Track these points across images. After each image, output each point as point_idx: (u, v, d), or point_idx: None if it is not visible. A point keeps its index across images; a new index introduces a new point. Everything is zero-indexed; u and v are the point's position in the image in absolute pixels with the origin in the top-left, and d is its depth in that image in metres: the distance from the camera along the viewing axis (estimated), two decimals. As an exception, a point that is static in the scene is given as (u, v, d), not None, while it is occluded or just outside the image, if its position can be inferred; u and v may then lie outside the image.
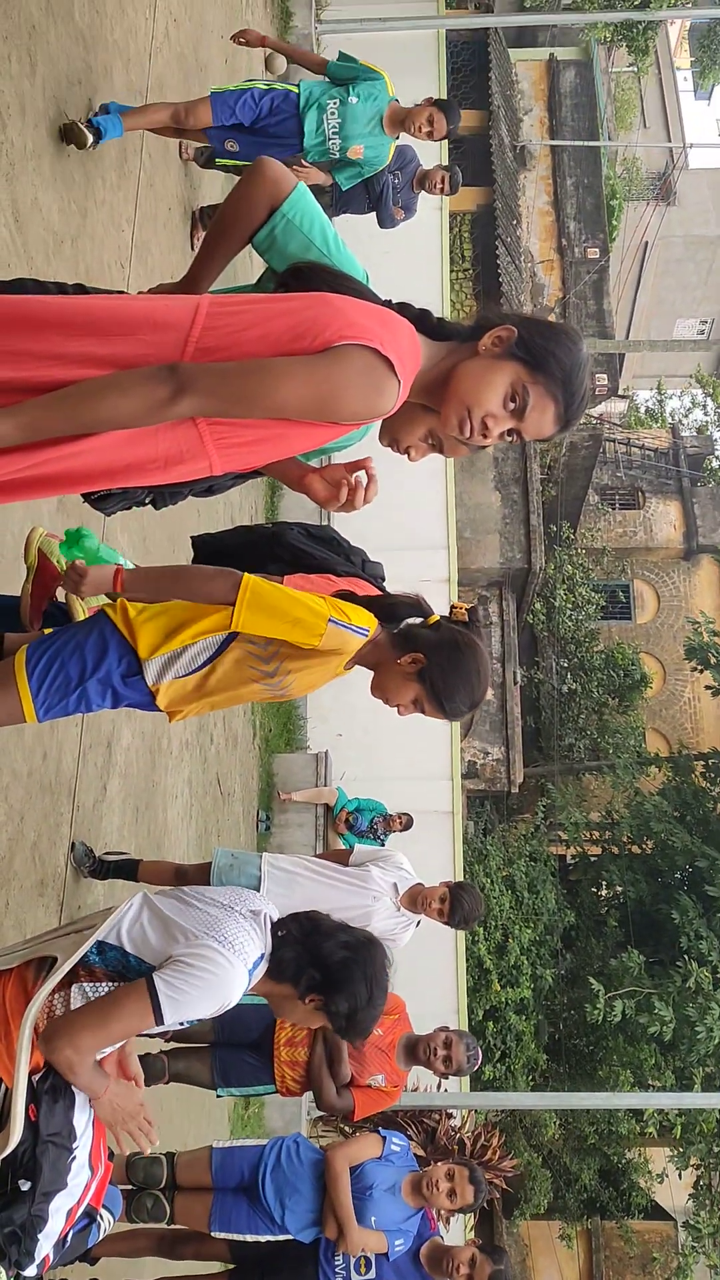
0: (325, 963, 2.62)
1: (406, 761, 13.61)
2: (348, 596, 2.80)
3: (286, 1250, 4.21)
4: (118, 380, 1.67)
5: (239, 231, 2.53)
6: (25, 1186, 2.23)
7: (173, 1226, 4.26)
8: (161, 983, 2.40)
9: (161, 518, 6.67)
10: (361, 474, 2.23)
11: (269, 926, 2.67)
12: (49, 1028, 2.34)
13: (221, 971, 2.45)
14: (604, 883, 18.07)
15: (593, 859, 18.33)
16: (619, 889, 17.44)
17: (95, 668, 2.59)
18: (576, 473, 21.08)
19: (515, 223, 20.30)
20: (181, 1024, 2.49)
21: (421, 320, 1.96)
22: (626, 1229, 15.35)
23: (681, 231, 29.85)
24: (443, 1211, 4.24)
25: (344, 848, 4.93)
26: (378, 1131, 4.35)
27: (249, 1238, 4.12)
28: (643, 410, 29.51)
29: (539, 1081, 15.43)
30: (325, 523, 4.72)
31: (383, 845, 11.43)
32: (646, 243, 29.08)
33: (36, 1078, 2.33)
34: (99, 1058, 2.45)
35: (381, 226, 7.70)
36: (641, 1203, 15.89)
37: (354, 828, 11.52)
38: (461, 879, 14.21)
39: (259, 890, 4.58)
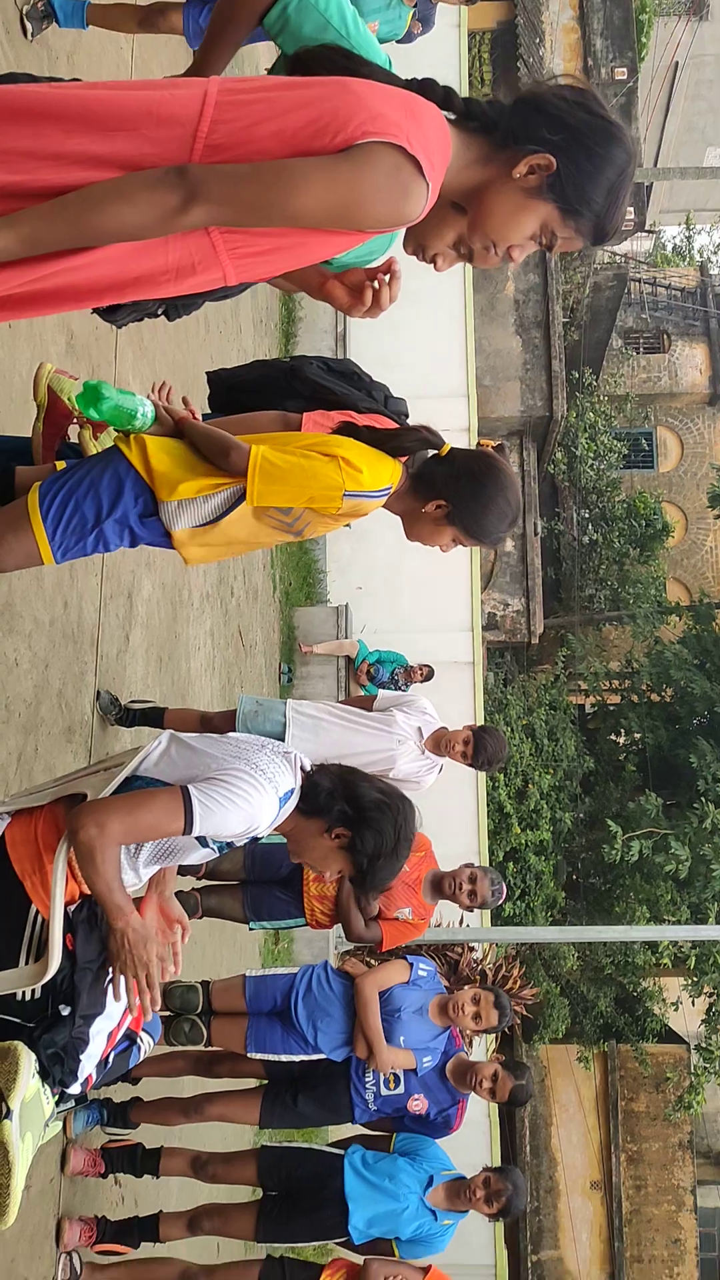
0: (359, 800, 2.64)
1: (427, 613, 13.61)
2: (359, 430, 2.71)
3: (318, 1067, 4.41)
4: (122, 186, 1.56)
5: (248, 11, 2.34)
6: (65, 1011, 2.32)
7: (210, 1049, 4.46)
8: (196, 791, 2.42)
9: (174, 359, 6.51)
10: (385, 278, 2.11)
11: (299, 766, 2.70)
12: (76, 809, 2.36)
13: (254, 793, 2.47)
14: (623, 730, 18.30)
15: (612, 708, 18.51)
16: (638, 736, 17.67)
17: (112, 508, 2.54)
18: (600, 315, 20.40)
19: (538, 40, 19.12)
20: (209, 845, 2.51)
21: (447, 101, 1.81)
22: (641, 1052, 16.10)
23: (715, 49, 28.05)
24: (467, 1033, 4.42)
25: (367, 695, 5.00)
26: (405, 959, 4.50)
27: (283, 1058, 4.32)
28: (670, 248, 28.35)
29: (558, 918, 15.97)
30: (344, 356, 4.57)
31: (407, 690, 11.54)
32: (677, 63, 27.39)
33: (72, 908, 2.39)
34: (133, 888, 2.50)
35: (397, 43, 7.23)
36: (655, 1028, 16.61)
37: (375, 679, 11.61)
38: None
39: (284, 736, 4.63)
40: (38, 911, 2.33)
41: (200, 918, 4.76)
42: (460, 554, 13.93)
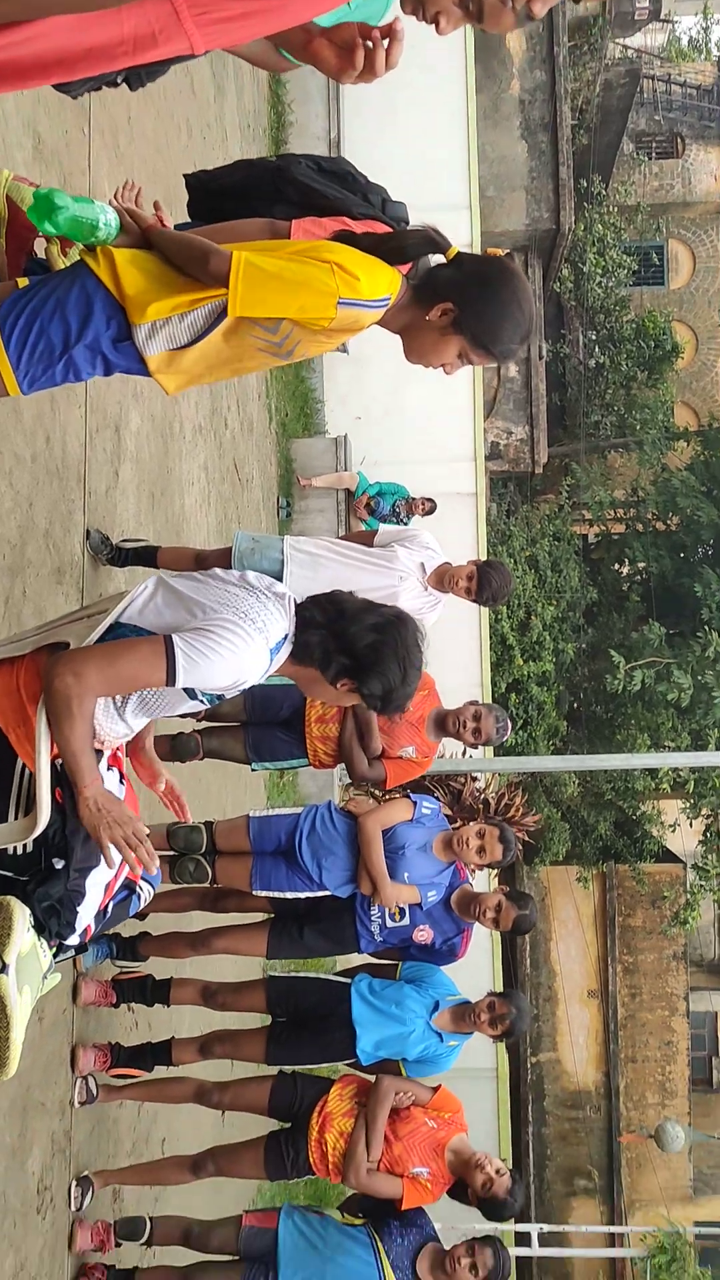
0: (353, 648, 2.49)
1: (428, 444, 13.26)
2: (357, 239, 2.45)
3: (324, 902, 4.44)
4: None
5: None
6: (59, 864, 2.25)
7: (215, 886, 4.48)
8: (180, 641, 2.29)
9: (154, 167, 6.05)
10: (379, 37, 1.82)
11: (293, 609, 2.55)
12: (53, 658, 2.24)
13: (241, 644, 2.33)
14: (627, 559, 18.15)
15: (616, 537, 18.33)
16: (642, 565, 17.52)
17: (81, 331, 2.30)
18: (611, 116, 19.18)
19: None
20: (197, 697, 2.39)
21: None
22: (639, 871, 16.63)
23: None
24: (471, 867, 4.43)
25: (368, 531, 4.81)
26: (408, 797, 4.48)
27: (289, 895, 4.35)
28: (686, 41, 26.43)
29: (559, 746, 16.21)
30: (337, 155, 4.19)
31: (409, 523, 11.32)
32: None
33: (60, 762, 2.29)
34: (107, 745, 2.40)
35: None
36: (653, 848, 17.11)
37: (376, 512, 11.36)
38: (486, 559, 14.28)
39: (281, 574, 4.48)
40: (25, 765, 2.23)
41: (201, 759, 4.73)
42: (462, 380, 13.47)
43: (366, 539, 4.74)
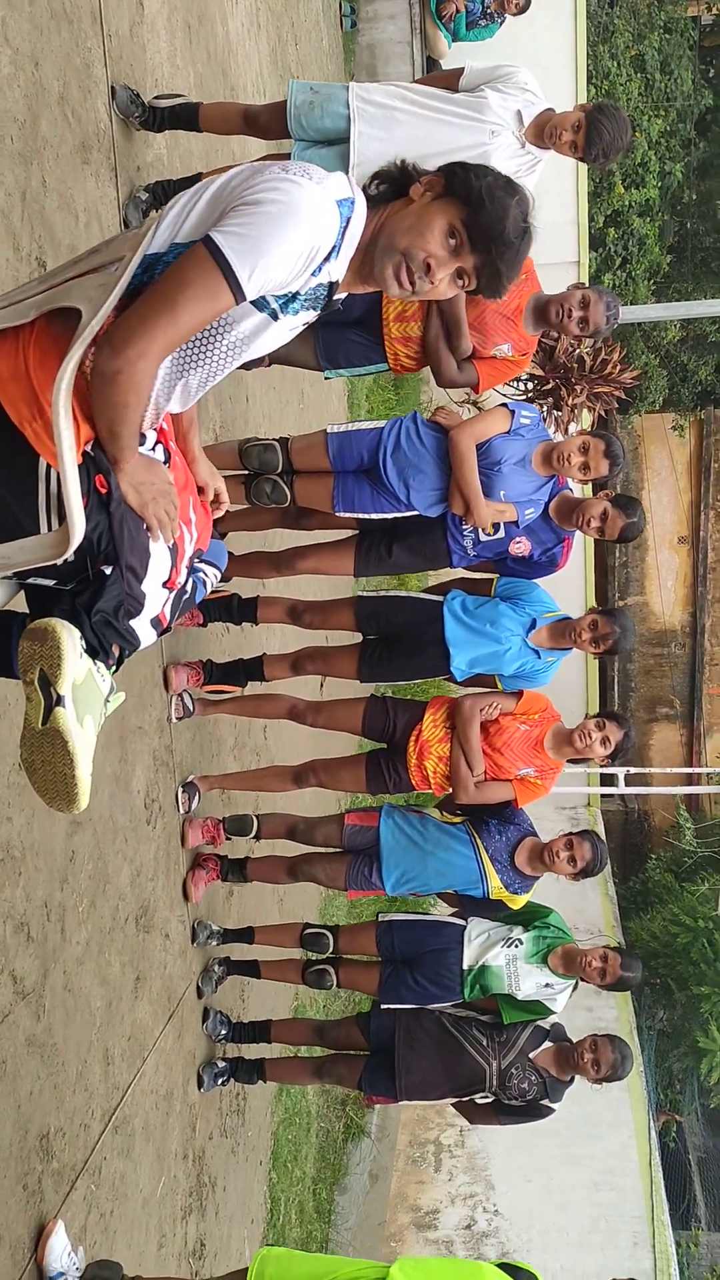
0: (448, 169, 2.00)
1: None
2: None
3: (413, 519, 4.14)
4: None
5: None
6: (109, 571, 1.92)
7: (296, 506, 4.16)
8: (219, 232, 1.82)
9: None
10: None
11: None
12: (103, 343, 1.81)
13: (294, 192, 1.83)
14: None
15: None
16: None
17: None
18: None
19: None
20: (266, 308, 1.90)
21: None
22: (738, 416, 15.89)
23: None
24: (575, 481, 4.02)
25: (449, 67, 3.77)
26: (505, 406, 3.98)
27: (374, 516, 4.03)
28: None
29: (661, 285, 14.87)
30: None
31: (497, 28, 9.46)
32: None
33: (90, 446, 1.89)
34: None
35: None
36: (756, 391, 16.20)
37: (469, 14, 9.40)
38: (586, 65, 12.24)
39: (347, 134, 3.70)
40: (49, 464, 1.84)
41: (268, 366, 4.22)
42: None
43: (450, 82, 3.84)
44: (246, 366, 4.27)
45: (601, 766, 4.26)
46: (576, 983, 4.31)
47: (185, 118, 4.20)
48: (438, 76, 4.03)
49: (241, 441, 4.04)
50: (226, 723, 5.07)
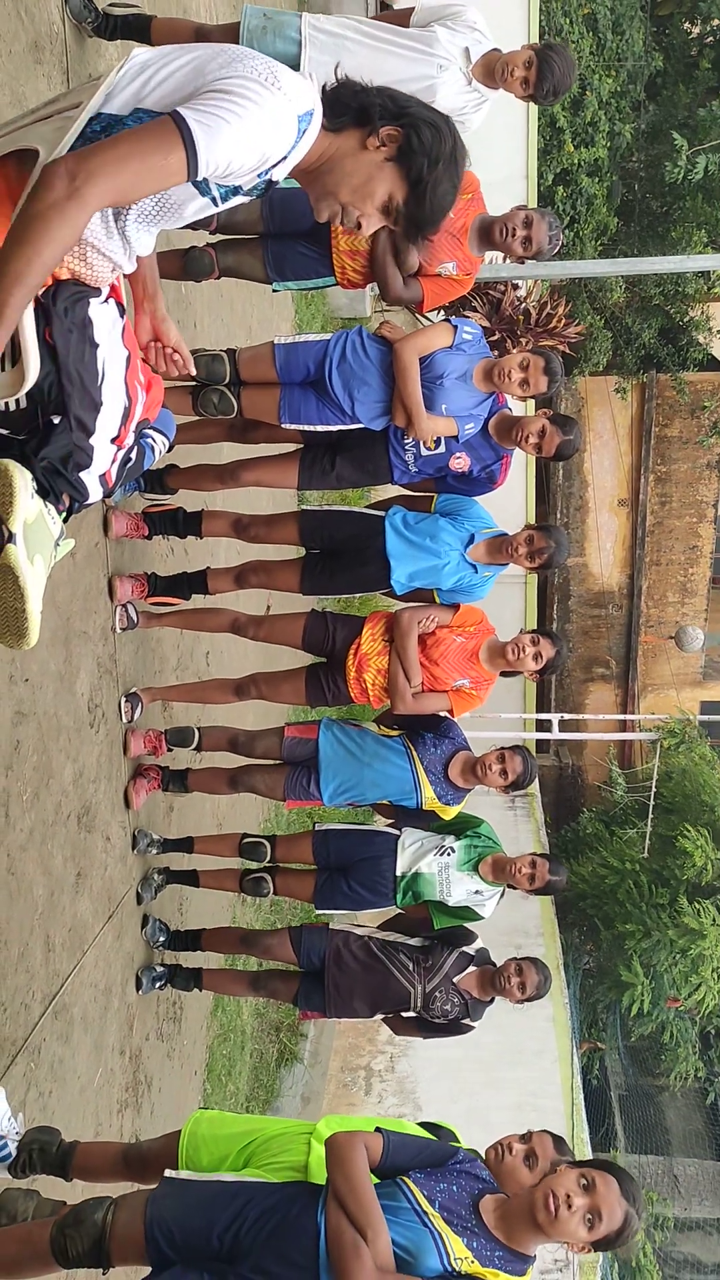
0: (398, 100, 2.10)
1: None
2: None
3: (355, 432, 4.23)
4: None
5: None
6: (56, 420, 2.00)
7: (242, 418, 4.23)
8: (189, 111, 1.89)
9: None
10: None
11: (320, 86, 2.09)
12: (47, 165, 1.84)
13: (265, 97, 1.92)
14: (700, 16, 15.59)
15: None
16: (716, 23, 15.09)
17: None
18: None
19: None
20: (209, 192, 1.97)
21: None
22: (680, 381, 16.12)
23: None
24: (511, 404, 4.14)
25: (400, 7, 3.87)
26: (448, 320, 4.08)
27: (319, 428, 4.11)
28: None
29: (608, 246, 15.03)
30: None
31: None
32: None
33: (43, 294, 1.96)
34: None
35: None
36: (698, 356, 16.44)
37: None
38: (539, 21, 12.27)
39: (298, 61, 3.74)
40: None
41: (217, 278, 4.27)
42: None
43: (402, 20, 3.90)
44: (193, 227, 4.33)
45: (530, 678, 4.39)
46: (504, 890, 4.49)
47: (138, 29, 4.20)
48: (390, 14, 4.09)
49: (190, 351, 4.09)
50: (170, 642, 5.15)
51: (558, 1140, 2.76)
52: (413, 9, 4.05)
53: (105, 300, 2.09)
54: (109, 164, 1.84)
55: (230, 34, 4.09)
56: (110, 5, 4.19)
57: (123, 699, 4.42)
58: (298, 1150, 2.84)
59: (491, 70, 3.92)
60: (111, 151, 1.86)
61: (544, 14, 13.07)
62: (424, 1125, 3.01)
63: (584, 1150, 7.59)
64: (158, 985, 4.66)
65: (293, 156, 2.05)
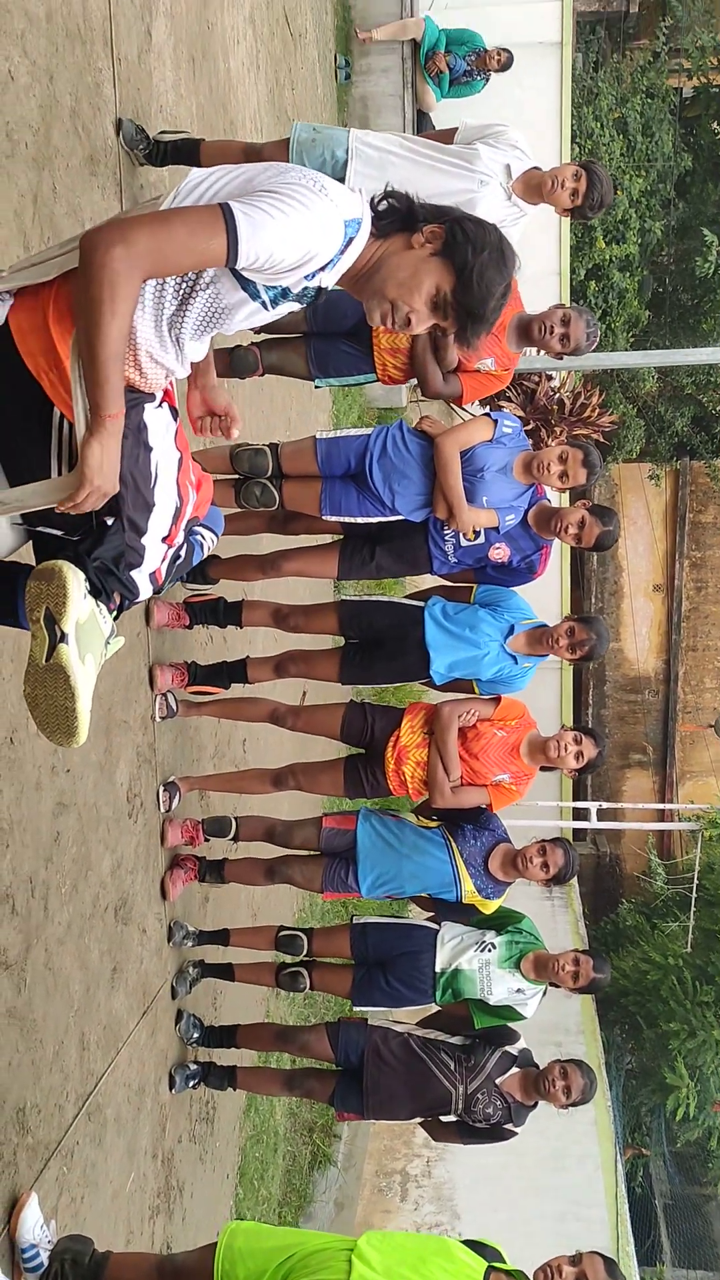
0: (442, 208, 2.17)
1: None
2: None
3: (396, 523, 4.27)
4: None
5: None
6: (110, 521, 2.03)
7: (284, 510, 4.29)
8: (238, 204, 1.94)
9: None
10: None
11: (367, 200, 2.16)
12: (91, 230, 1.90)
13: (310, 201, 1.97)
14: (729, 118, 16.01)
15: (717, 90, 16.05)
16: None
17: None
18: None
19: None
20: (259, 296, 2.03)
21: None
22: (714, 468, 16.21)
23: None
24: (554, 488, 4.17)
25: (438, 122, 4.06)
26: (488, 415, 4.14)
27: (359, 520, 4.16)
28: None
29: (639, 338, 15.26)
30: None
31: (482, 85, 9.97)
32: None
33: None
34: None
35: None
36: (730, 445, 16.57)
37: (452, 72, 9.90)
38: (570, 125, 12.66)
39: (344, 174, 3.88)
40: (62, 414, 1.95)
41: (261, 375, 4.37)
42: None
43: (445, 138, 4.04)
44: (239, 371, 4.43)
45: (569, 775, 4.35)
46: (546, 988, 4.38)
47: (187, 152, 4.37)
48: (434, 133, 4.26)
49: (232, 446, 4.17)
50: (208, 731, 5.16)
51: (609, 1263, 2.64)
52: (455, 129, 4.22)
53: (159, 405, 2.14)
54: (156, 229, 1.89)
55: (280, 149, 4.24)
56: (161, 132, 4.37)
57: (161, 788, 4.41)
58: (337, 1268, 2.73)
59: (532, 186, 4.04)
60: (158, 219, 1.91)
61: (575, 119, 13.48)
62: (468, 1243, 2.90)
63: (629, 1265, 7.25)
64: (191, 1084, 4.56)
65: (342, 262, 2.10)
